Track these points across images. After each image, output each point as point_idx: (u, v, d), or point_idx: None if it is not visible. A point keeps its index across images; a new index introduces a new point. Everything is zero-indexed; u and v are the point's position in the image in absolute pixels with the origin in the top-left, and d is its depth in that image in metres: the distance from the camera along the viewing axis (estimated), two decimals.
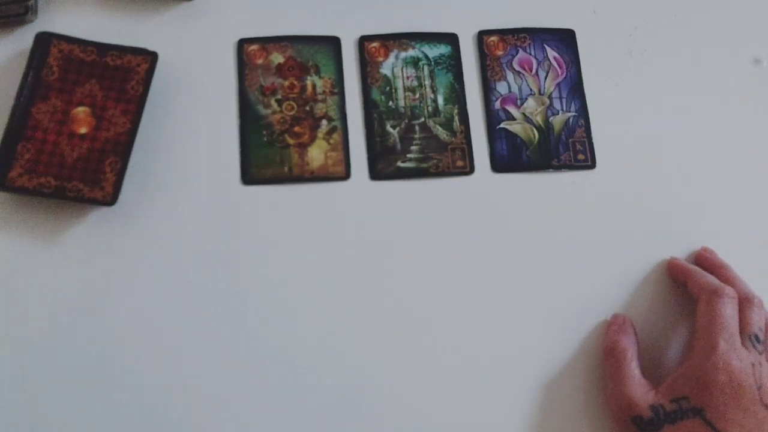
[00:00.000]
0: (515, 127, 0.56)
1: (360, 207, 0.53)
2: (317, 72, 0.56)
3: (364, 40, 0.57)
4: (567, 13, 0.59)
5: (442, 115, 0.56)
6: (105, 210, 0.51)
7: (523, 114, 0.56)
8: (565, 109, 0.57)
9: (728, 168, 0.57)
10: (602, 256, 0.54)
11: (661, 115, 0.57)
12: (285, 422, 0.49)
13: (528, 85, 0.57)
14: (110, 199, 0.49)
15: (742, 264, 0.52)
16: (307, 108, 0.55)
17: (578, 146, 0.56)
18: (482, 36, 0.58)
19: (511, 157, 0.55)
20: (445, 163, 0.55)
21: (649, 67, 0.58)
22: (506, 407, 0.50)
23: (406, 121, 0.55)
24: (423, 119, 0.55)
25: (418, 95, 0.56)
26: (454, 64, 0.57)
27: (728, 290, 0.48)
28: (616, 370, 0.49)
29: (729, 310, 0.48)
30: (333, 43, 0.57)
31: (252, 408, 0.49)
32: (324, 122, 0.55)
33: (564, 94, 0.57)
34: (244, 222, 0.52)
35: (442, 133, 0.55)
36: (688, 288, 0.51)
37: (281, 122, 0.54)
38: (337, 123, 0.55)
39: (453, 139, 0.55)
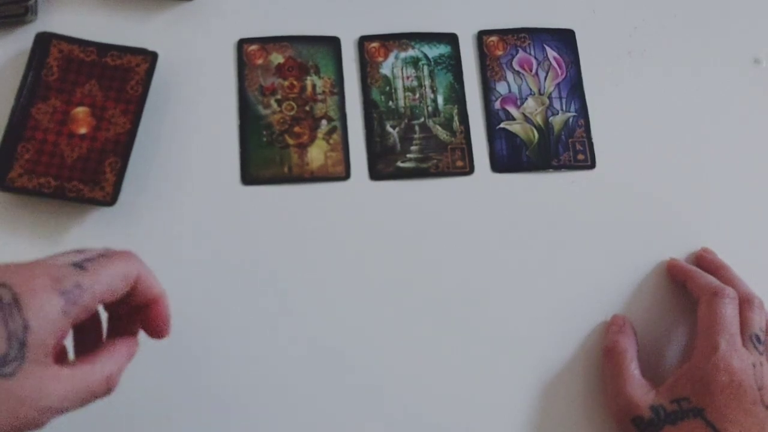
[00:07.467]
0: (515, 127, 0.56)
1: (360, 207, 0.53)
2: (317, 72, 0.56)
3: (363, 40, 0.57)
4: (567, 13, 0.59)
5: (441, 115, 0.56)
6: (105, 210, 0.51)
7: (523, 114, 0.56)
8: (564, 109, 0.57)
9: (728, 168, 0.57)
10: (602, 257, 0.54)
11: (661, 115, 0.57)
12: (285, 420, 0.49)
13: (528, 85, 0.57)
14: (110, 199, 0.49)
15: (742, 264, 0.52)
16: (307, 108, 0.55)
17: (578, 146, 0.56)
18: (482, 36, 0.58)
19: (510, 157, 0.55)
20: (445, 163, 0.55)
21: (648, 68, 0.58)
22: (506, 407, 0.50)
23: (406, 121, 0.55)
24: (423, 119, 0.55)
25: (417, 95, 0.56)
26: (453, 64, 0.57)
27: (728, 291, 0.48)
28: (615, 371, 0.49)
29: (729, 311, 0.48)
30: (333, 43, 0.57)
31: (254, 406, 0.49)
32: (324, 122, 0.55)
33: (564, 94, 0.57)
34: (244, 222, 0.52)
35: (441, 133, 0.55)
36: (688, 289, 0.51)
37: (281, 122, 0.54)
38: (336, 123, 0.55)
39: (453, 139, 0.55)
